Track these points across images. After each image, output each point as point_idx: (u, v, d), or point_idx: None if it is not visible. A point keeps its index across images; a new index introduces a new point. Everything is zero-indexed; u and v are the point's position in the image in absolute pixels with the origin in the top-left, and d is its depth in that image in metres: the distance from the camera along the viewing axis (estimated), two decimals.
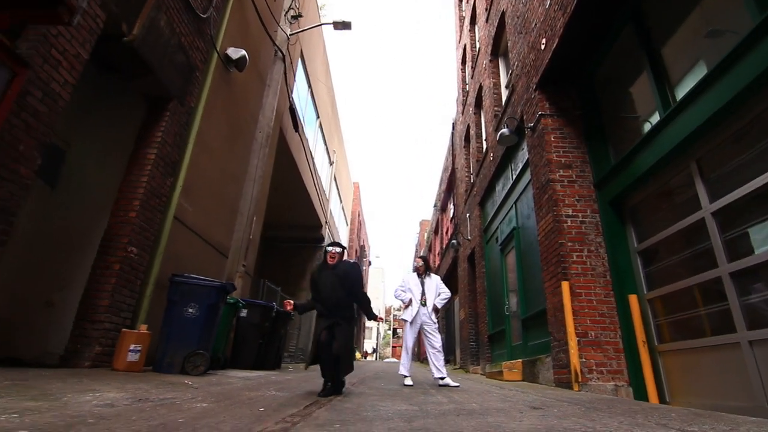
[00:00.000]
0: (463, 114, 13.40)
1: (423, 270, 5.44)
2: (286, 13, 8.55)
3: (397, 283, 6.05)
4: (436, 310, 5.26)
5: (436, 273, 5.86)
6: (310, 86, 12.93)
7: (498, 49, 9.38)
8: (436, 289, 5.33)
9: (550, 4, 5.58)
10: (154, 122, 5.06)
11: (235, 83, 7.01)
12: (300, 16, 8.94)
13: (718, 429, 1.90)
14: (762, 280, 3.13)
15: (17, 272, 4.26)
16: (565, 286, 4.87)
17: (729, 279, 3.36)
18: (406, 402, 3.08)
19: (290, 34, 8.64)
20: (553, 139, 5.67)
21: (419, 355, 32.54)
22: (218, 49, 6.16)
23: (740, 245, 3.35)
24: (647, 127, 4.54)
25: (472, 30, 12.46)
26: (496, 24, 8.91)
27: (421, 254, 27.99)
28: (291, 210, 14.27)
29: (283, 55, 8.33)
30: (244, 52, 6.58)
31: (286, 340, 8.68)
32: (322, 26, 13.34)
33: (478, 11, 11.18)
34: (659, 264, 4.45)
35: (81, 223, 4.85)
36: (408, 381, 4.90)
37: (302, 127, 11.09)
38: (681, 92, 4.01)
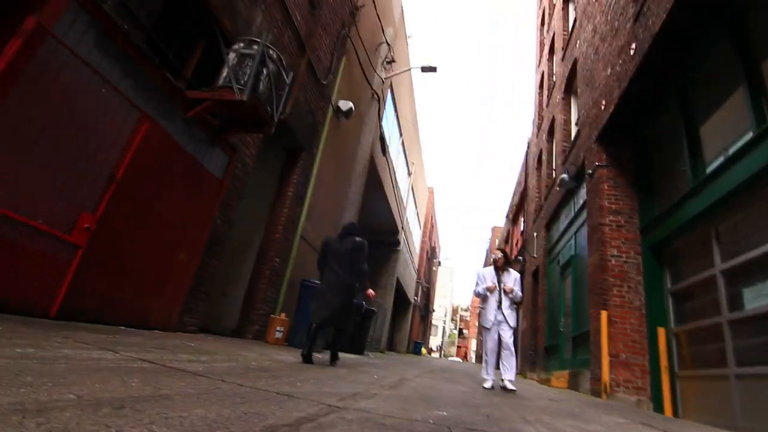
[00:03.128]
0: (537, 137, 14.19)
1: (502, 263, 4.87)
2: (383, 61, 10.24)
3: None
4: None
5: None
6: (396, 110, 14.61)
7: (571, 88, 10.21)
8: (514, 286, 4.79)
9: (611, 73, 6.55)
10: (291, 167, 7.01)
11: (343, 127, 8.85)
12: (393, 61, 10.59)
13: (635, 420, 3.11)
14: (749, 330, 4.07)
15: None
16: (603, 314, 5.93)
17: (727, 325, 4.32)
18: (463, 386, 4.54)
19: (385, 78, 10.33)
20: (606, 187, 6.64)
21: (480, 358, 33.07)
22: (333, 105, 8.01)
23: (737, 301, 4.28)
24: (689, 187, 5.40)
25: (550, 60, 13.19)
26: (569, 66, 9.77)
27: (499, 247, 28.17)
28: (372, 218, 16.13)
29: (378, 97, 10.04)
30: (351, 104, 8.36)
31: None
32: (408, 44, 15.17)
33: (556, 45, 11.97)
34: (686, 304, 5.35)
35: (241, 238, 6.94)
36: (487, 384, 4.63)
37: (388, 151, 12.79)
38: (712, 166, 4.89)
